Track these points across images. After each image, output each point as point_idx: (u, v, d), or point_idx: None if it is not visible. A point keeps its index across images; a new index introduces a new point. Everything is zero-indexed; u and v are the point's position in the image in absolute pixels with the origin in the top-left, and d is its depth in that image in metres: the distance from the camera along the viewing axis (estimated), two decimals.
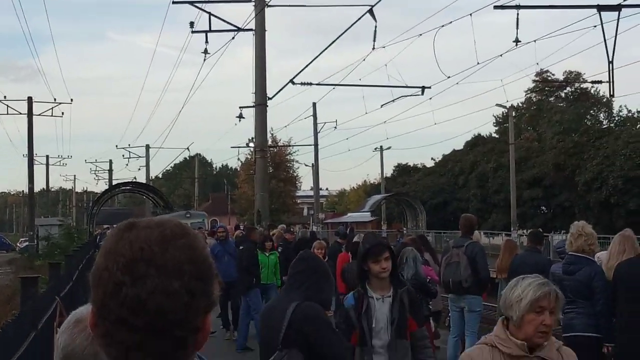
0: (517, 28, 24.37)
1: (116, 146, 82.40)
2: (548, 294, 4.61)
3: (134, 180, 79.39)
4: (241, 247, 18.44)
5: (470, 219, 14.17)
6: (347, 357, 6.40)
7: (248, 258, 17.48)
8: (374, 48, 27.66)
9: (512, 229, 52.59)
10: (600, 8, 23.25)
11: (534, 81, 74.54)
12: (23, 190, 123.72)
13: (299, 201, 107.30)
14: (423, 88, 35.46)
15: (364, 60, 31.60)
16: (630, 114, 77.97)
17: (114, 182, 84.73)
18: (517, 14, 24.24)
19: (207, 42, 29.59)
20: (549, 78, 76.15)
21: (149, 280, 1.72)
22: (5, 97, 56.24)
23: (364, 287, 7.30)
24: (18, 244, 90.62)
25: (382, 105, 39.19)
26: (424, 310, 11.92)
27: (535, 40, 27.62)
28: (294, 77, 32.18)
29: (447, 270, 13.42)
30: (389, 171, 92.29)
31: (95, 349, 2.65)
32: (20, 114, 57.18)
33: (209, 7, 29.70)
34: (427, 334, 7.82)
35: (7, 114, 56.56)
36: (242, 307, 17.49)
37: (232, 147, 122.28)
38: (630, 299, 9.01)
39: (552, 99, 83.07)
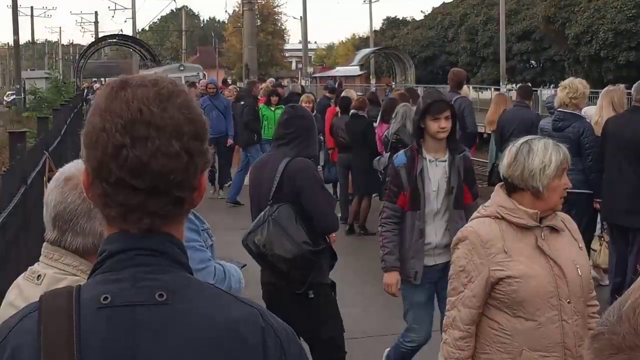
0: None
1: None
2: (566, 155, 4.25)
3: (121, 32, 78.72)
4: (242, 102, 18.53)
5: (459, 73, 14.11)
6: (331, 216, 6.38)
7: (249, 113, 17.61)
8: None
9: (501, 83, 52.49)
10: None
11: None
12: (8, 43, 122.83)
13: (287, 55, 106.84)
14: None
15: None
16: None
17: (100, 35, 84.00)
18: None
19: None
20: None
21: (149, 142, 1.72)
22: None
23: (419, 145, 6.64)
24: (5, 98, 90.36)
25: None
26: None
27: None
28: None
29: None
30: (378, 24, 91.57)
31: (88, 207, 2.65)
32: None
33: None
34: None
35: None
36: (241, 161, 17.66)
37: None
38: (616, 155, 9.05)
39: None
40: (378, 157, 12.68)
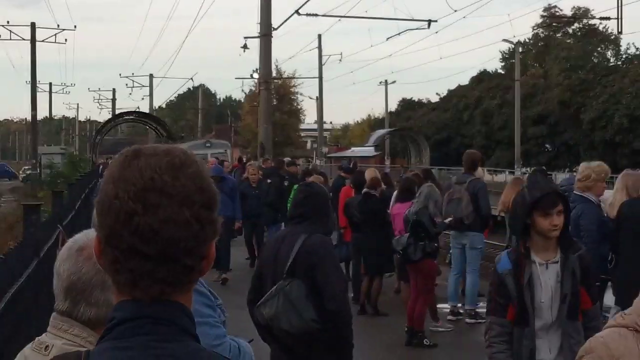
0: None
1: (120, 75, 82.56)
2: None
3: (137, 109, 79.34)
4: (269, 181, 18.76)
5: (473, 155, 14.14)
6: (342, 300, 6.26)
7: (274, 193, 18.07)
8: None
9: (515, 166, 52.55)
10: None
11: (542, 16, 74.07)
12: (26, 118, 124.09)
13: (302, 134, 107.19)
14: (429, 21, 35.27)
15: None
16: (638, 52, 77.52)
17: (117, 112, 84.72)
18: None
19: None
20: (557, 14, 75.60)
21: (161, 210, 1.74)
22: (8, 22, 55.96)
23: (525, 247, 5.60)
24: (21, 172, 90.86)
25: (387, 39, 39.10)
26: (425, 247, 11.93)
27: None
28: (299, 8, 32.00)
29: (449, 207, 13.43)
30: (393, 106, 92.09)
31: (102, 278, 2.63)
32: (24, 39, 56.92)
33: None
34: (600, 311, 6.41)
35: (10, 39, 56.35)
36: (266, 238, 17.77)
37: (236, 78, 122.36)
38: (631, 237, 8.99)
39: (559, 35, 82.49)
40: (398, 237, 12.61)
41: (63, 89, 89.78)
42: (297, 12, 32.01)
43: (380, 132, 70.81)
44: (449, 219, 13.72)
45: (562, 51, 74.57)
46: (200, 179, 1.81)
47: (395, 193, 14.64)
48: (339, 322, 6.11)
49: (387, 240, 13.21)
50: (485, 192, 13.34)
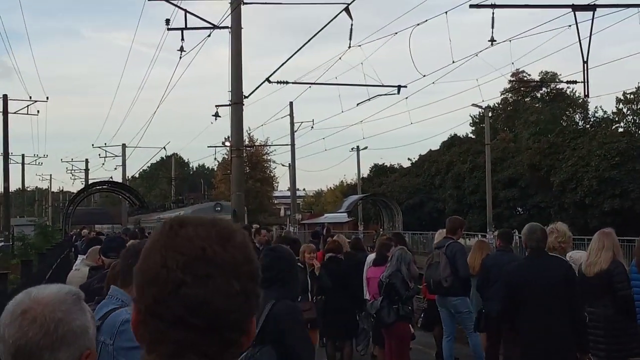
0: (493, 27, 24.35)
1: (92, 145, 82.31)
2: None
3: (110, 179, 79.16)
4: None
5: (455, 221, 14.25)
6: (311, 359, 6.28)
7: None
8: (349, 47, 27.61)
9: (487, 229, 52.71)
10: (575, 8, 23.31)
11: (510, 81, 75.01)
12: None
13: (276, 201, 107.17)
14: (399, 87, 35.40)
15: (340, 58, 31.60)
16: (605, 115, 78.45)
17: (90, 182, 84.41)
18: (493, 12, 24.20)
19: (182, 39, 29.37)
20: (525, 78, 76.56)
21: (211, 281, 1.71)
22: None
23: None
24: None
25: (358, 104, 39.18)
26: (399, 310, 11.94)
27: (510, 40, 27.69)
28: (270, 76, 32.12)
29: (429, 271, 13.52)
30: (365, 171, 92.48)
31: (50, 340, 2.58)
32: None
33: (184, 4, 29.71)
34: None
35: None
36: None
37: (208, 147, 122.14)
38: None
39: (528, 99, 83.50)
40: (372, 301, 12.62)
41: (36, 160, 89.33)
42: (267, 79, 32.17)
43: (353, 198, 71.00)
44: (423, 284, 13.78)
45: (531, 115, 75.53)
46: (247, 250, 1.80)
47: (368, 257, 14.69)
48: None
49: (352, 303, 13.25)
50: (462, 254, 13.39)
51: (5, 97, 57.17)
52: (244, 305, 1.75)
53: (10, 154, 59.95)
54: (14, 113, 57.70)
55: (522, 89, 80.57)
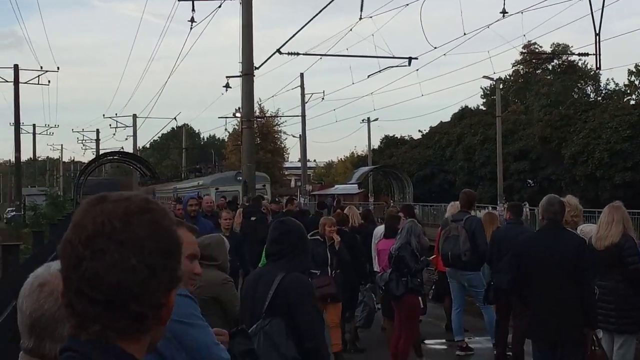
0: None
1: (103, 115, 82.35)
2: None
3: (122, 150, 79.29)
4: (253, 218, 17.77)
5: (470, 194, 14.18)
6: (320, 339, 6.24)
7: (264, 229, 14.63)
8: (361, 18, 27.57)
9: (498, 201, 52.65)
10: None
11: (522, 53, 74.56)
12: (10, 160, 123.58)
13: (286, 172, 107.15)
14: (410, 59, 35.32)
15: (351, 30, 31.64)
16: (617, 87, 78.19)
17: (101, 152, 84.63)
18: None
19: (193, 10, 29.40)
20: (536, 50, 76.16)
21: (107, 255, 1.74)
22: None
23: None
24: (5, 214, 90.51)
25: (368, 76, 39.17)
26: (408, 283, 11.93)
27: (522, 12, 27.71)
28: (280, 47, 32.10)
29: (446, 244, 13.46)
30: (376, 143, 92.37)
31: (64, 314, 2.61)
32: (7, 81, 56.89)
33: None
34: None
35: None
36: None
37: (219, 117, 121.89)
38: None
39: (539, 71, 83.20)
40: (381, 273, 12.61)
41: (47, 130, 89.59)
42: (278, 51, 32.13)
43: (364, 169, 70.97)
44: (433, 255, 13.76)
45: (543, 87, 75.23)
46: (156, 225, 1.81)
47: (376, 230, 14.68)
48: None
49: (358, 276, 13.28)
50: (482, 229, 13.31)
51: (16, 67, 57.21)
52: (149, 280, 1.76)
53: (21, 123, 60.08)
54: (25, 83, 57.80)
55: (533, 61, 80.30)
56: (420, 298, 12.44)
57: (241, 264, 13.96)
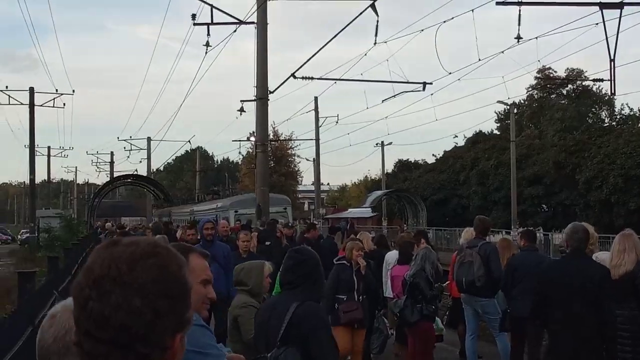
0: (519, 24, 24.23)
1: (118, 138, 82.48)
2: None
3: (135, 172, 79.46)
4: (268, 243, 17.50)
5: (485, 221, 14.18)
6: None
7: (280, 254, 14.04)
8: (375, 43, 27.57)
9: (512, 227, 52.54)
10: (603, 5, 23.15)
11: (536, 78, 74.58)
12: (24, 181, 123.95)
13: (300, 196, 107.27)
14: (424, 84, 35.32)
15: (366, 54, 31.75)
16: (631, 113, 78.02)
17: (115, 174, 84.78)
18: (519, 10, 24.09)
19: (208, 34, 29.50)
20: (551, 75, 76.14)
21: (113, 297, 1.79)
22: (7, 87, 56.28)
23: None
24: (19, 236, 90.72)
25: (383, 101, 39.19)
26: (422, 310, 11.89)
27: (537, 37, 27.63)
28: (295, 71, 32.13)
29: (461, 270, 13.45)
30: (390, 167, 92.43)
31: (59, 346, 2.65)
32: (22, 104, 57.18)
33: None
34: None
35: (9, 104, 56.57)
36: None
37: (233, 141, 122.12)
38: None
39: (553, 96, 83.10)
40: (395, 300, 12.58)
41: (61, 152, 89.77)
42: (293, 75, 32.18)
43: (377, 193, 70.99)
44: (447, 282, 13.75)
45: (557, 112, 75.16)
46: (159, 270, 1.86)
47: (388, 256, 14.66)
48: None
49: (371, 302, 13.22)
50: (496, 256, 13.29)
51: (31, 89, 57.52)
52: (154, 322, 1.81)
53: (36, 146, 60.35)
54: (40, 106, 58.06)
55: (548, 86, 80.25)
56: (434, 325, 12.39)
57: (230, 289, 12.49)
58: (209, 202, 51.22)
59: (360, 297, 12.19)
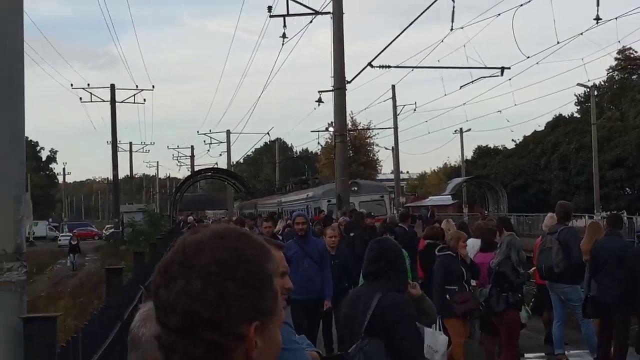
0: (598, 5, 23.91)
1: (197, 132, 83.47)
2: None
3: (216, 166, 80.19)
4: (352, 234, 17.20)
5: (565, 206, 14.03)
6: (419, 354, 6.24)
7: (361, 246, 13.91)
8: (452, 29, 27.46)
9: (595, 210, 51.83)
10: None
11: (616, 59, 73.32)
12: (108, 177, 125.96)
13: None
14: (502, 69, 35.08)
15: (442, 41, 31.49)
16: None
17: (196, 168, 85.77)
18: None
19: (285, 26, 29.69)
20: (632, 56, 74.81)
21: (178, 282, 1.72)
22: (88, 85, 57.23)
23: None
24: (104, 231, 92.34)
25: (461, 87, 39.10)
26: (509, 298, 11.79)
27: (616, 18, 27.19)
28: (372, 60, 32.17)
29: (541, 256, 13.37)
30: (469, 153, 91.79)
31: (130, 339, 2.66)
32: (104, 101, 58.11)
33: None
34: None
35: (91, 101, 57.55)
36: None
37: (312, 131, 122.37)
38: None
39: (635, 77, 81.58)
40: (480, 289, 12.51)
41: (143, 147, 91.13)
42: (369, 64, 32.20)
43: (457, 180, 70.59)
44: (532, 269, 13.64)
45: (638, 93, 73.69)
46: (226, 251, 1.76)
47: (468, 242, 14.57)
48: None
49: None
50: (575, 240, 13.13)
51: (112, 86, 58.48)
52: (219, 306, 1.70)
53: (118, 142, 61.30)
54: (121, 102, 58.97)
55: (628, 66, 78.82)
56: (521, 312, 12.27)
57: (350, 283, 12.94)
58: (297, 192, 49.42)
59: (471, 288, 12.15)
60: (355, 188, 38.26)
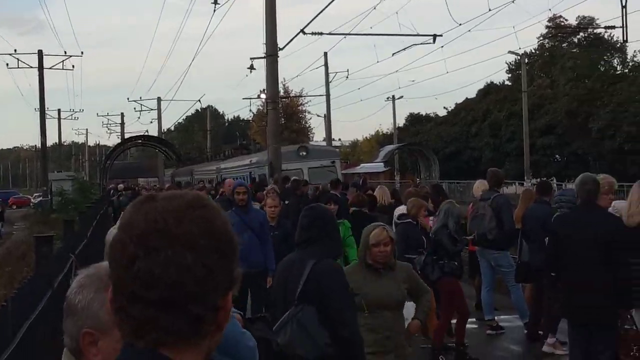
0: None
1: (127, 99, 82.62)
2: None
3: (146, 133, 79.51)
4: (286, 202, 16.83)
5: (496, 173, 14.11)
6: (352, 321, 6.19)
7: (295, 213, 13.66)
8: None
9: (525, 177, 52.45)
10: None
11: (547, 27, 74.02)
12: (36, 145, 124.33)
13: None
14: (434, 36, 35.23)
15: (375, 8, 31.55)
16: None
17: (126, 136, 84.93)
18: None
19: None
20: (562, 24, 75.58)
21: (162, 253, 1.65)
22: (15, 50, 56.24)
23: None
24: (32, 199, 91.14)
25: (393, 54, 39.20)
26: (444, 267, 11.80)
27: None
28: (304, 27, 32.05)
29: (473, 223, 13.49)
30: (401, 121, 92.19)
31: (67, 305, 2.60)
32: (31, 67, 57.14)
33: None
34: None
35: (18, 67, 56.60)
36: None
37: (243, 99, 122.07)
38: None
39: (565, 45, 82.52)
40: (415, 257, 12.54)
41: (72, 114, 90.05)
42: (302, 31, 32.08)
43: (389, 147, 70.82)
44: (471, 236, 13.72)
45: (568, 61, 74.63)
46: (208, 223, 1.72)
47: (397, 211, 14.57)
48: (351, 348, 6.08)
49: None
50: (508, 208, 13.26)
51: (40, 52, 57.43)
52: (206, 279, 1.68)
53: (46, 109, 60.32)
54: (49, 68, 58.03)
55: (559, 34, 79.70)
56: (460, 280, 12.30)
57: (268, 263, 12.01)
58: (239, 158, 46.42)
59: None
60: (304, 153, 35.99)
